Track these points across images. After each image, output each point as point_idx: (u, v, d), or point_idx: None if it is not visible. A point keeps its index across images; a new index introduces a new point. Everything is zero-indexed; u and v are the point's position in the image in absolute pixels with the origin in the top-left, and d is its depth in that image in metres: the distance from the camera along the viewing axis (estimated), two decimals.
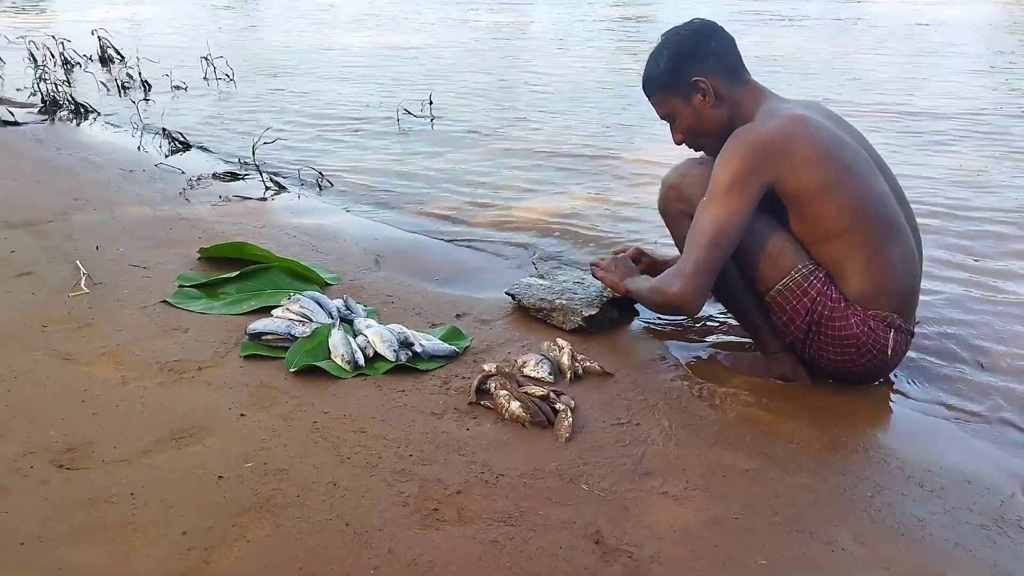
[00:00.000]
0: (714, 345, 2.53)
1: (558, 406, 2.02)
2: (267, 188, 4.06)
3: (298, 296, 2.40)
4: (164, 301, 2.49)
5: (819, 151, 2.07)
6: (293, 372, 2.09)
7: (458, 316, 2.61)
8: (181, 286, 2.61)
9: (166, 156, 4.64)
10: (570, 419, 1.96)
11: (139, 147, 4.83)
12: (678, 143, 2.31)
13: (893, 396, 2.25)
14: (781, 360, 2.30)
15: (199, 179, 4.13)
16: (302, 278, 2.70)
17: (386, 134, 5.25)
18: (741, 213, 2.08)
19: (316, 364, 2.12)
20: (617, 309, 2.70)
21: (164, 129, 5.07)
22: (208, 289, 2.57)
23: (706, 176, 2.16)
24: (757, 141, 2.06)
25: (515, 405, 1.98)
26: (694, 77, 2.17)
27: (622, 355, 2.42)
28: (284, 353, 2.17)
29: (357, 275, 2.90)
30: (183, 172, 4.24)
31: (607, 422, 2.02)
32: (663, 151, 4.17)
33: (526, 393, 2.03)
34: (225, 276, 2.61)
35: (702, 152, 2.35)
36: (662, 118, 2.31)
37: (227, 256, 2.86)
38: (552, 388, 2.12)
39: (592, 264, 2.67)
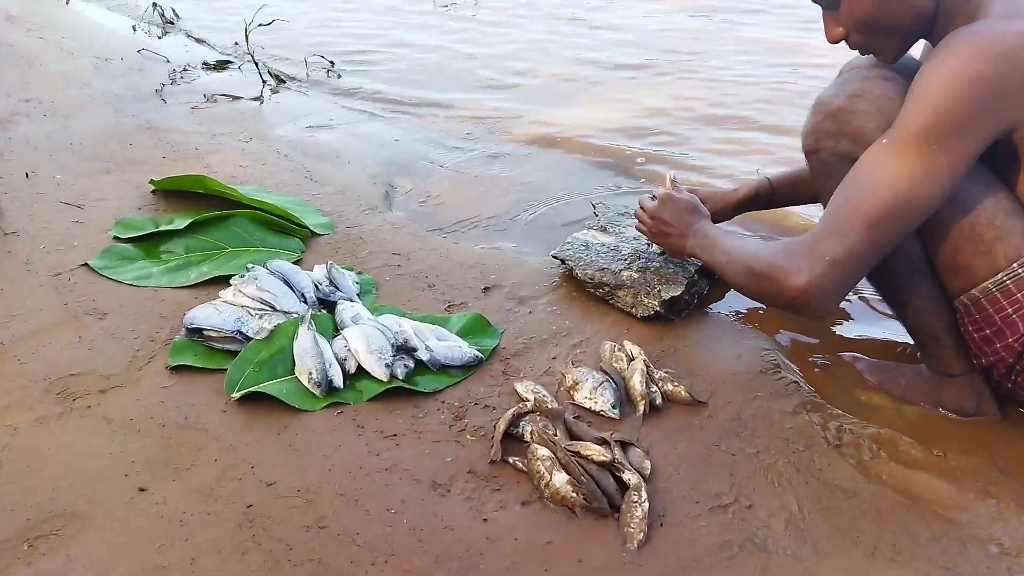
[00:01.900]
0: (849, 343, 1.76)
1: (626, 478, 1.31)
2: (264, 83, 3.28)
3: (256, 271, 1.69)
4: (85, 264, 1.81)
5: None
6: (237, 399, 1.42)
7: (486, 290, 1.88)
8: (116, 238, 1.92)
9: (160, 37, 3.84)
10: (645, 506, 1.26)
11: (134, 28, 4.03)
12: (835, 40, 1.45)
13: None
14: (962, 386, 1.55)
15: (184, 71, 3.37)
16: (278, 229, 1.99)
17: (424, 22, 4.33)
18: (946, 177, 1.27)
19: (269, 392, 1.43)
20: (707, 277, 1.93)
21: (155, 3, 4.24)
22: (149, 245, 1.88)
23: (894, 101, 1.34)
24: (1001, 56, 1.21)
25: (561, 480, 1.28)
26: None
27: (715, 363, 1.68)
28: (228, 362, 1.49)
29: (359, 219, 2.17)
30: (168, 61, 3.47)
31: (701, 501, 1.32)
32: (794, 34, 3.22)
33: (578, 455, 1.32)
34: (170, 228, 1.90)
35: (870, 57, 1.48)
36: (813, 0, 1.45)
37: (186, 190, 2.15)
38: (616, 437, 1.40)
39: (639, 209, 1.83)
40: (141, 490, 1.23)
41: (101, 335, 1.59)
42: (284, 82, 3.29)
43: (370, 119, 3.03)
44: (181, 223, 1.91)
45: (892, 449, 1.47)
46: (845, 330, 1.82)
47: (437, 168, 2.61)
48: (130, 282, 1.76)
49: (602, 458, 1.30)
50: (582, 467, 1.30)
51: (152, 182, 2.16)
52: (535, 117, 3.08)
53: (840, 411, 1.56)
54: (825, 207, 1.44)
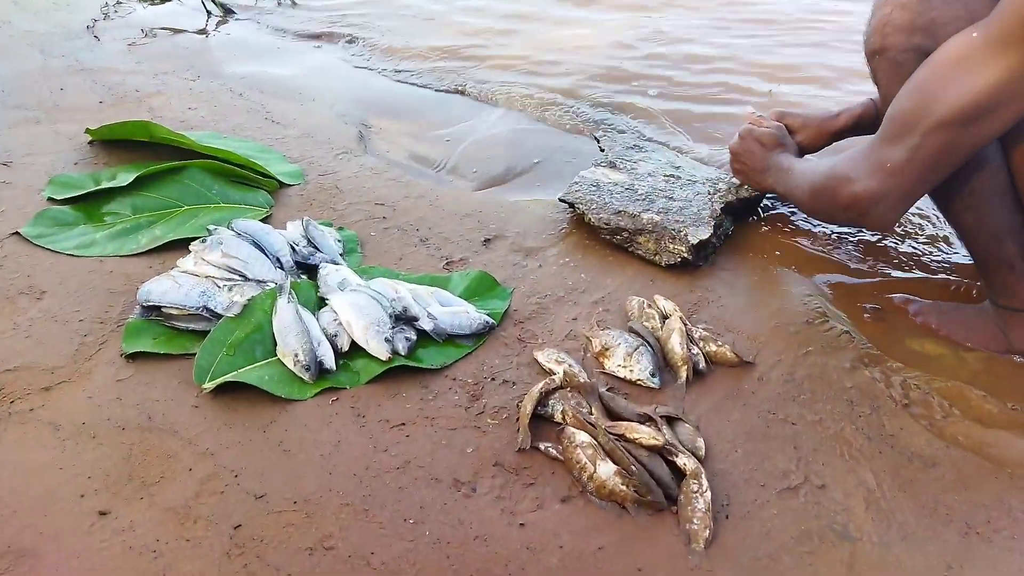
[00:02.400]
0: (898, 283, 1.58)
1: (681, 463, 1.11)
2: (208, 13, 2.92)
3: (220, 233, 1.43)
4: (16, 233, 1.53)
5: None
6: (210, 390, 1.18)
7: (486, 242, 1.64)
8: (50, 200, 1.63)
9: None
10: (707, 496, 1.07)
11: None
12: None
13: None
14: None
15: (118, 3, 2.99)
16: (241, 181, 1.71)
17: None
18: None
19: (248, 381, 1.19)
20: (731, 214, 1.73)
21: None
22: (89, 206, 1.60)
23: None
24: None
25: (607, 471, 1.07)
26: None
27: (756, 314, 1.48)
28: (195, 345, 1.24)
29: (332, 165, 1.90)
30: None
31: (768, 484, 1.13)
32: None
33: (623, 439, 1.12)
34: (113, 185, 1.61)
35: None
36: None
37: (129, 139, 1.85)
38: (661, 412, 1.20)
39: (733, 150, 1.70)
40: (102, 514, 1.00)
41: (40, 319, 1.33)
42: (232, 12, 2.93)
43: (332, 50, 2.71)
44: (126, 178, 1.63)
45: (964, 405, 1.30)
46: (892, 268, 1.63)
47: (423, 101, 2.32)
48: (70, 252, 1.49)
49: (652, 441, 1.10)
50: (630, 453, 1.10)
51: (88, 131, 1.86)
52: (523, 43, 2.78)
53: (899, 363, 1.38)
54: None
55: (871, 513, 1.10)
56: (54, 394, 1.17)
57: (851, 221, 1.37)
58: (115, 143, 1.87)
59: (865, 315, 1.51)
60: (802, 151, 1.67)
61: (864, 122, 1.71)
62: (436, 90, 2.42)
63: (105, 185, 1.62)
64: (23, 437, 1.09)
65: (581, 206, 1.68)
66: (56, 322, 1.32)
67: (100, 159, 1.83)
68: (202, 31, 2.79)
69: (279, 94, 2.29)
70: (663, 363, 1.33)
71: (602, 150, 1.92)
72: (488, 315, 1.39)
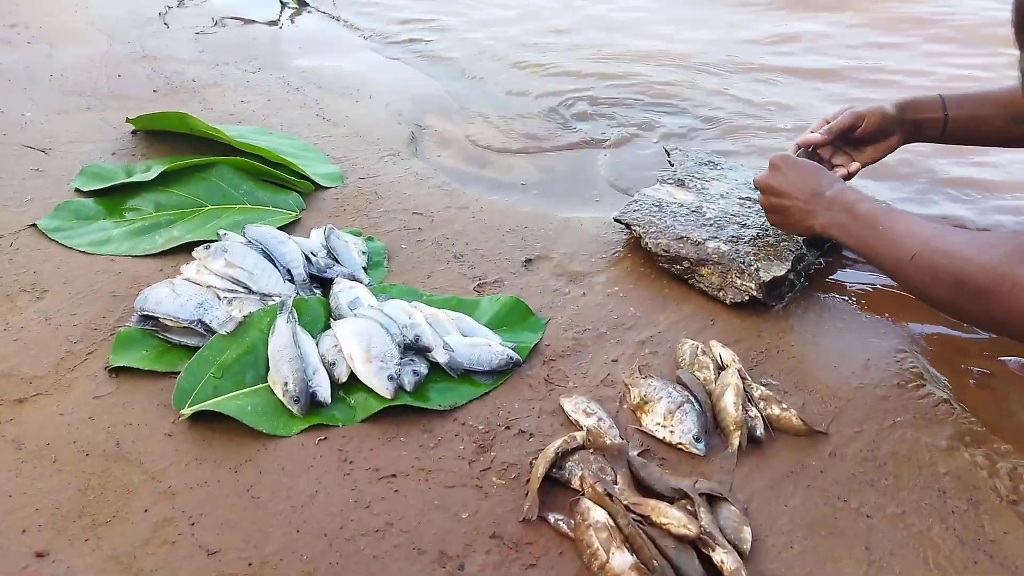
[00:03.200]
0: (1012, 343, 1.30)
1: (718, 560, 0.90)
2: (283, 5, 2.86)
3: (227, 240, 1.31)
4: (33, 225, 1.46)
5: None
6: (188, 416, 1.06)
7: (527, 263, 1.47)
8: (77, 191, 1.56)
9: None
10: None
11: None
12: None
13: None
14: None
15: None
16: (271, 181, 1.60)
17: None
18: None
19: (227, 413, 1.06)
20: (817, 247, 1.49)
21: None
22: (112, 200, 1.52)
23: None
24: None
25: (623, 563, 0.88)
26: None
27: (835, 371, 1.25)
28: (185, 363, 1.12)
29: (375, 167, 1.77)
30: None
31: None
32: None
33: (647, 522, 0.92)
34: (140, 179, 1.53)
35: None
36: None
37: (169, 130, 1.78)
38: (702, 488, 0.99)
39: (761, 185, 1.39)
40: (39, 555, 0.89)
41: (35, 320, 1.24)
42: (306, 4, 2.86)
43: (404, 50, 2.59)
44: (155, 172, 1.54)
45: None
46: None
47: (479, 110, 2.16)
48: (83, 248, 1.40)
49: (684, 531, 0.90)
50: (654, 542, 0.90)
51: (129, 120, 1.79)
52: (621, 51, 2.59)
53: (1009, 445, 1.12)
54: None
55: None
56: (26, 408, 1.08)
57: (1005, 331, 1.08)
58: (159, 135, 1.80)
59: (971, 381, 1.25)
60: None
61: (925, 131, 1.47)
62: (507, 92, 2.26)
63: (133, 179, 1.54)
64: None
65: (638, 228, 1.48)
66: (49, 325, 1.23)
67: (139, 150, 1.76)
68: (273, 22, 2.73)
69: (336, 90, 2.19)
70: (712, 425, 1.12)
71: (671, 164, 1.71)
72: (514, 349, 1.21)
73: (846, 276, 1.48)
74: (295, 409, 1.07)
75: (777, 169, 1.34)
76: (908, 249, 1.14)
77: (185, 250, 1.40)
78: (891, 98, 1.52)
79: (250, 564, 0.89)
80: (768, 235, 1.44)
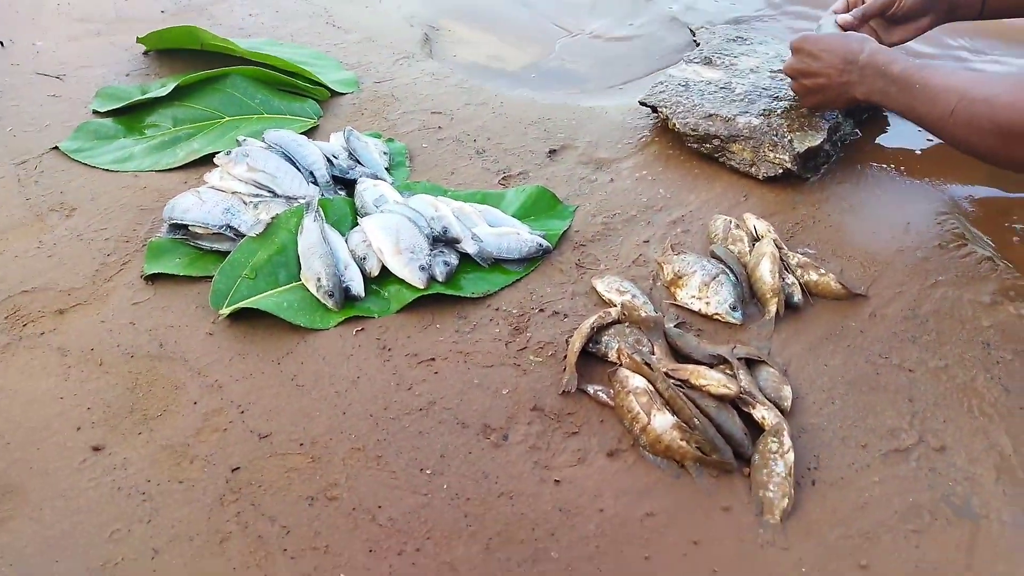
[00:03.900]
0: None
1: (759, 416, 0.91)
2: None
3: (247, 145, 1.30)
4: (56, 148, 1.46)
5: None
6: (226, 316, 1.07)
7: (551, 153, 1.44)
8: (95, 112, 1.56)
9: None
10: (789, 457, 0.86)
11: None
12: None
13: None
14: None
15: None
16: (289, 89, 1.57)
17: None
18: None
19: (265, 309, 1.07)
20: (854, 116, 1.43)
21: None
22: (131, 118, 1.51)
23: None
24: None
25: (665, 423, 0.88)
26: None
27: (873, 236, 1.22)
28: (215, 267, 1.13)
29: (390, 71, 1.73)
30: None
31: (870, 444, 0.91)
32: None
33: (687, 386, 0.93)
34: (153, 96, 1.51)
35: None
36: None
37: (183, 48, 1.75)
38: (741, 353, 0.99)
39: (790, 71, 1.33)
40: (95, 449, 0.92)
41: (66, 237, 1.25)
42: None
43: None
44: (170, 88, 1.52)
45: None
46: None
47: (496, 7, 2.09)
48: (106, 167, 1.40)
49: (723, 390, 0.90)
50: (694, 403, 0.90)
51: (140, 40, 1.77)
52: None
53: None
54: None
55: (1003, 485, 0.87)
56: (67, 317, 1.10)
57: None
58: (170, 53, 1.77)
59: (1015, 238, 1.22)
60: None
61: (962, 5, 1.38)
62: None
63: (149, 95, 1.52)
64: (29, 363, 1.02)
65: (665, 109, 1.43)
66: (81, 240, 1.24)
67: (153, 70, 1.74)
68: None
69: None
70: (749, 295, 1.10)
71: (697, 44, 1.65)
72: (543, 236, 1.20)
73: (885, 142, 1.43)
74: (330, 303, 1.08)
75: (801, 52, 1.29)
76: (947, 103, 1.09)
77: (207, 162, 1.39)
78: None
79: (301, 444, 0.91)
80: (802, 107, 1.39)
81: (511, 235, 1.18)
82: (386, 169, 1.37)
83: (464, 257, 1.17)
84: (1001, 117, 1.02)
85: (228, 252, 1.16)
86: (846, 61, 1.24)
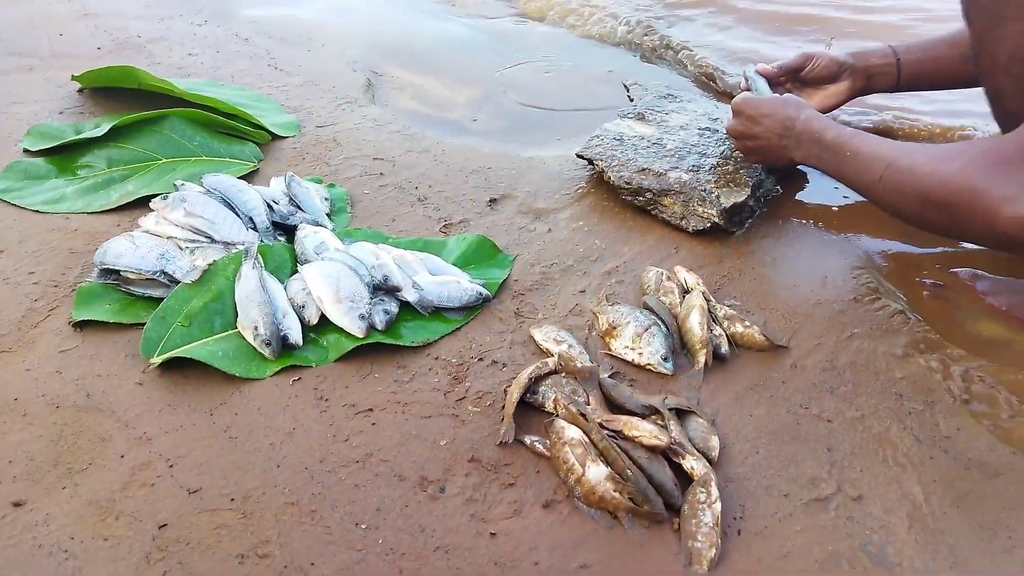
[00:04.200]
0: (963, 256, 1.36)
1: (688, 466, 0.94)
2: None
3: (184, 189, 1.29)
4: None
5: None
6: (157, 365, 1.05)
7: (492, 202, 1.47)
8: (25, 151, 1.52)
9: None
10: (716, 507, 0.89)
11: None
12: None
13: None
14: None
15: None
16: (226, 132, 1.57)
17: None
18: None
19: (198, 358, 1.06)
20: (774, 175, 1.51)
21: None
22: (63, 158, 1.48)
23: None
24: None
25: (599, 475, 0.91)
26: None
27: (794, 290, 1.28)
28: (150, 314, 1.11)
29: (332, 115, 1.75)
30: None
31: (792, 493, 0.95)
32: None
33: (620, 436, 0.95)
34: (87, 136, 1.49)
35: None
36: None
37: (119, 87, 1.73)
38: (671, 404, 1.02)
39: (733, 132, 1.41)
40: (16, 505, 0.89)
41: None
42: None
43: None
44: (105, 128, 1.50)
45: None
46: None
47: (436, 52, 2.14)
48: (36, 208, 1.37)
49: (655, 441, 0.93)
50: (627, 454, 0.93)
51: (75, 78, 1.74)
52: None
53: (962, 351, 1.17)
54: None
55: (915, 534, 0.92)
56: None
57: (1003, 248, 1.09)
58: (107, 92, 1.75)
59: (924, 292, 1.29)
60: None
61: (878, 82, 1.50)
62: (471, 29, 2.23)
63: (83, 136, 1.50)
64: None
65: (601, 162, 1.49)
66: (7, 284, 1.20)
67: (87, 108, 1.71)
68: None
69: (288, 39, 2.14)
70: (679, 346, 1.14)
71: (631, 99, 1.72)
72: (483, 285, 1.22)
73: (804, 198, 1.51)
74: (267, 352, 1.07)
75: (742, 114, 1.36)
76: (875, 171, 1.16)
77: (141, 205, 1.38)
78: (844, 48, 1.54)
79: (232, 499, 0.90)
80: (728, 163, 1.46)
81: (452, 284, 1.20)
82: (327, 215, 1.37)
83: (404, 305, 1.19)
84: (922, 185, 1.09)
85: (162, 299, 1.14)
86: (784, 127, 1.31)
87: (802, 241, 1.39)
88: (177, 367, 1.06)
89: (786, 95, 1.35)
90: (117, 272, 1.18)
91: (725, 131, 1.43)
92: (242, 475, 0.93)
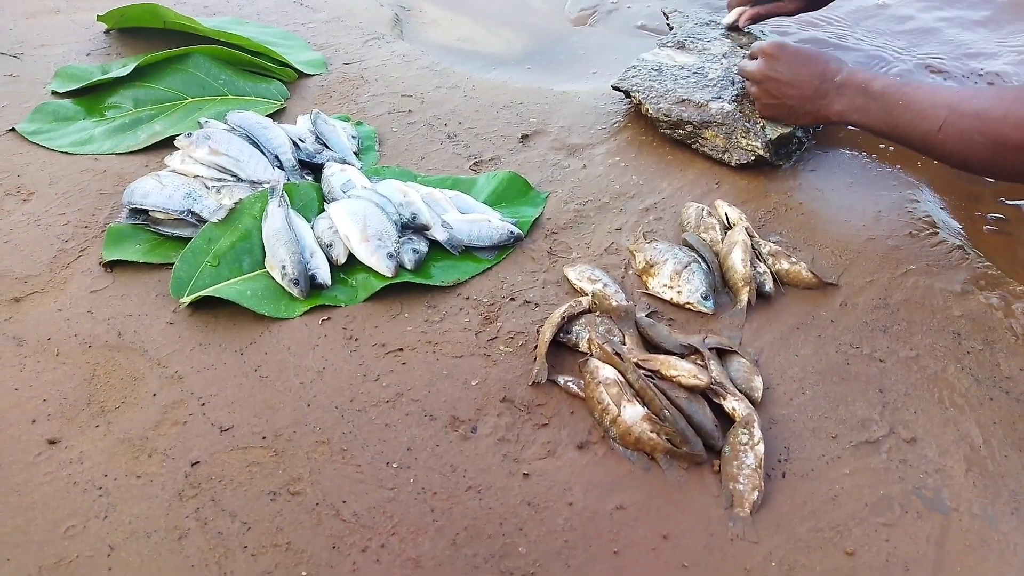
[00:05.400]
0: (1018, 189, 1.27)
1: (729, 407, 0.90)
2: None
3: (209, 127, 1.26)
4: (12, 130, 1.41)
5: None
6: (187, 304, 1.04)
7: (524, 139, 1.42)
8: (54, 93, 1.50)
9: None
10: (759, 449, 0.86)
11: None
12: None
13: None
14: None
15: None
16: (252, 70, 1.53)
17: None
18: None
19: (227, 297, 1.04)
20: None
21: None
22: (91, 99, 1.46)
23: None
24: None
25: (635, 415, 0.87)
26: None
27: (845, 225, 1.22)
28: (176, 254, 1.10)
29: (359, 52, 1.69)
30: None
31: (840, 435, 0.91)
32: None
33: (658, 376, 0.92)
34: (113, 76, 1.46)
35: None
36: None
37: (142, 26, 1.69)
38: (712, 343, 0.98)
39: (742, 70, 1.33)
40: (51, 442, 0.89)
41: (23, 223, 1.21)
42: None
43: None
44: (131, 68, 1.47)
45: None
46: None
47: None
48: (65, 150, 1.36)
49: (694, 381, 0.89)
50: (665, 394, 0.89)
51: (100, 18, 1.71)
52: None
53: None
54: None
55: (973, 477, 0.87)
56: (23, 306, 1.06)
57: None
58: (133, 33, 1.72)
59: (985, 227, 1.22)
60: None
61: None
62: None
63: (109, 76, 1.47)
64: None
65: (638, 94, 1.41)
66: (39, 226, 1.20)
67: (114, 49, 1.68)
68: None
69: None
70: (720, 284, 1.09)
71: (670, 28, 1.63)
72: (515, 224, 1.18)
73: (855, 130, 1.42)
74: (295, 292, 1.05)
75: (774, 59, 1.26)
76: (935, 119, 1.07)
77: (168, 144, 1.35)
78: None
79: (263, 437, 0.89)
80: None
81: (482, 222, 1.16)
82: (355, 153, 1.34)
83: (434, 244, 1.15)
84: (993, 130, 1.01)
85: (190, 238, 1.12)
86: (823, 77, 1.21)
87: (853, 174, 1.31)
88: (207, 307, 1.05)
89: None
90: (146, 212, 1.16)
91: (739, 72, 1.34)
92: (273, 414, 0.92)
